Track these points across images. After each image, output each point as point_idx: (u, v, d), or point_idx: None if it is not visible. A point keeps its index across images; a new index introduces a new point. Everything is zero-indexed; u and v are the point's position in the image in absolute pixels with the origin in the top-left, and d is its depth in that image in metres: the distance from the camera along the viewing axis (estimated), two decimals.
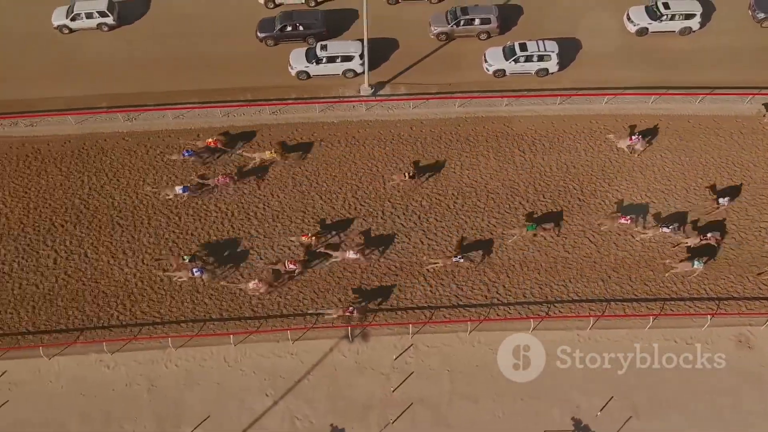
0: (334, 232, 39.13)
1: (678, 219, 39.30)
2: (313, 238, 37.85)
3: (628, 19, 47.22)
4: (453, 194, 40.76)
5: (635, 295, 37.45)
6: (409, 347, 35.99)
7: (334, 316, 35.75)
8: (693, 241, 38.01)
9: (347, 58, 44.48)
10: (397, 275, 38.03)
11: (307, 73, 44.74)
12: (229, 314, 36.84)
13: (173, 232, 39.33)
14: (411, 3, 48.17)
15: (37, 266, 38.10)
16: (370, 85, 44.72)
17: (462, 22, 46.16)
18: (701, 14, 46.53)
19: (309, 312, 36.42)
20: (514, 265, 38.35)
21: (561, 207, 40.23)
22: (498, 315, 36.77)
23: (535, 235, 38.63)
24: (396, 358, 35.76)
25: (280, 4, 48.32)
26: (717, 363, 35.34)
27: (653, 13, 46.68)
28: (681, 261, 37.64)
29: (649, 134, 42.48)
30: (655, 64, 45.80)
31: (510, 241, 38.59)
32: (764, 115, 42.95)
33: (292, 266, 36.91)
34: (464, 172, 41.62)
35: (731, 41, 46.63)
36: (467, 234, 39.18)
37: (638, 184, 40.95)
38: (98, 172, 41.44)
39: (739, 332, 36.17)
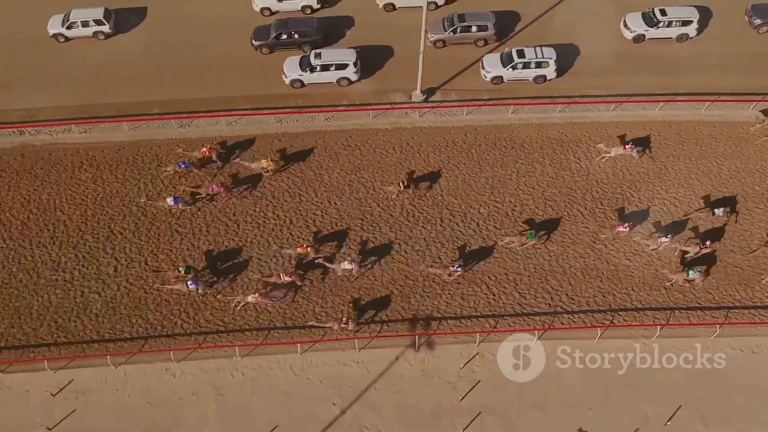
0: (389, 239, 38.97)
1: (676, 228, 39.23)
2: (309, 248, 37.41)
3: (625, 26, 46.94)
4: (510, 202, 40.65)
5: (699, 303, 37.33)
6: (475, 356, 35.87)
7: (335, 328, 35.39)
8: (693, 250, 37.74)
9: (341, 66, 44.18)
10: (459, 283, 37.91)
11: (301, 81, 44.51)
12: (293, 322, 36.74)
13: (232, 239, 39.21)
14: (407, 10, 47.86)
15: (98, 274, 38.02)
16: (421, 91, 44.61)
17: (459, 30, 45.95)
18: (698, 21, 46.35)
19: (307, 324, 36.10)
20: (575, 273, 38.27)
21: (621, 215, 40.08)
22: (562, 324, 36.65)
23: (534, 244, 38.56)
24: (462, 367, 35.64)
25: (276, 12, 48.16)
26: None
27: (650, 20, 46.46)
28: (677, 271, 37.46)
29: (642, 144, 42.29)
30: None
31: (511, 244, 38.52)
32: (762, 121, 42.64)
33: (287, 278, 36.55)
34: (521, 179, 41.52)
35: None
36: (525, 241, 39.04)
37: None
38: (154, 179, 41.34)
39: None
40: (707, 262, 38.10)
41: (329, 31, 47.05)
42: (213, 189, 39.76)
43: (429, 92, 45.04)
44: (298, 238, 39.18)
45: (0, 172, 41.46)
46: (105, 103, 43.65)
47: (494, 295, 37.62)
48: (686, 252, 37.92)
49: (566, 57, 45.70)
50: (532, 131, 43.46)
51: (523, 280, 38.05)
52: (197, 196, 40.02)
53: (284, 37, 46.00)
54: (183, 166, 40.39)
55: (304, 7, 48.28)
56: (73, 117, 42.74)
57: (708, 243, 37.73)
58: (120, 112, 43.22)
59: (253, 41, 46.38)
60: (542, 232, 39.11)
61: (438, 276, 37.57)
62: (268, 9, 48.23)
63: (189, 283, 36.27)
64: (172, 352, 35.24)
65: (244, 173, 41.33)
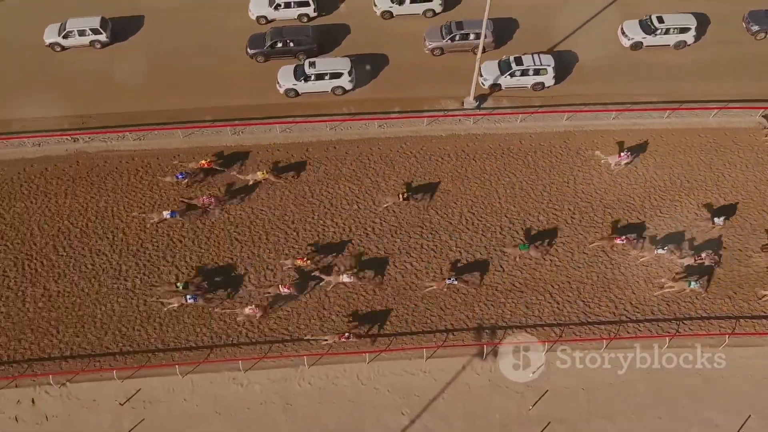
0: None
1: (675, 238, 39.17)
2: (305, 260, 37.38)
3: (623, 33, 46.72)
4: (569, 209, 40.54)
5: (764, 312, 37.25)
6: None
7: (330, 342, 35.29)
8: (688, 260, 37.70)
9: (336, 75, 43.88)
10: (522, 291, 37.83)
11: (295, 90, 44.19)
12: (357, 331, 36.58)
13: (292, 247, 39.09)
14: (405, 17, 47.78)
15: (160, 282, 37.87)
16: (474, 98, 44.52)
17: (457, 37, 45.73)
18: (696, 28, 46.21)
19: (306, 338, 35.87)
20: (638, 282, 38.14)
21: (681, 222, 39.94)
22: (628, 333, 36.53)
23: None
24: (530, 376, 35.51)
25: (272, 21, 47.80)
26: None
27: (647, 27, 46.24)
28: (676, 281, 37.36)
29: (637, 151, 42.11)
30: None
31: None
32: (765, 128, 42.62)
33: (286, 290, 36.37)
34: (578, 187, 41.40)
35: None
36: (588, 249, 38.94)
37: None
38: (211, 187, 41.18)
39: None
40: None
41: (325, 39, 46.65)
42: (204, 200, 39.32)
43: (481, 99, 44.90)
44: (358, 245, 39.08)
45: (56, 180, 41.33)
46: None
47: (558, 304, 37.54)
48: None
49: (565, 64, 45.55)
50: (586, 138, 43.34)
51: (586, 289, 37.96)
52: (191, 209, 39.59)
53: (279, 45, 45.51)
54: (180, 177, 40.07)
55: (300, 15, 47.87)
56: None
57: (704, 254, 37.75)
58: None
59: (248, 50, 45.84)
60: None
61: (434, 290, 37.28)
62: (265, 17, 47.70)
63: (188, 297, 35.99)
64: (240, 362, 35.04)
65: (310, 183, 41.25)
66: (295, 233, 39.54)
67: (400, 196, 39.67)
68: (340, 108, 44.27)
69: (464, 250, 39.14)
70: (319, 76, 43.82)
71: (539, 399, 35.04)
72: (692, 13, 46.97)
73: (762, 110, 43.35)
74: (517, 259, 38.40)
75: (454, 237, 39.54)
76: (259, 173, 40.40)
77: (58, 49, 46.44)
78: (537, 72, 44.09)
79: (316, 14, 48.20)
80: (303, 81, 43.91)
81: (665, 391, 35.28)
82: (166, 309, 36.64)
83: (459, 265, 38.50)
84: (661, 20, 46.18)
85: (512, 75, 44.26)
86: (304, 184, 41.32)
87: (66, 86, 44.95)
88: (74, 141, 42.68)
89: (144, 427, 34.21)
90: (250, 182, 40.64)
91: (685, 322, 36.93)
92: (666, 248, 37.92)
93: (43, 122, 43.08)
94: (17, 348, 36.04)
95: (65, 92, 44.55)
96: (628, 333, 36.57)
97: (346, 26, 48.05)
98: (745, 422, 34.49)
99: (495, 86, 44.71)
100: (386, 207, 40.13)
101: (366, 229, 39.81)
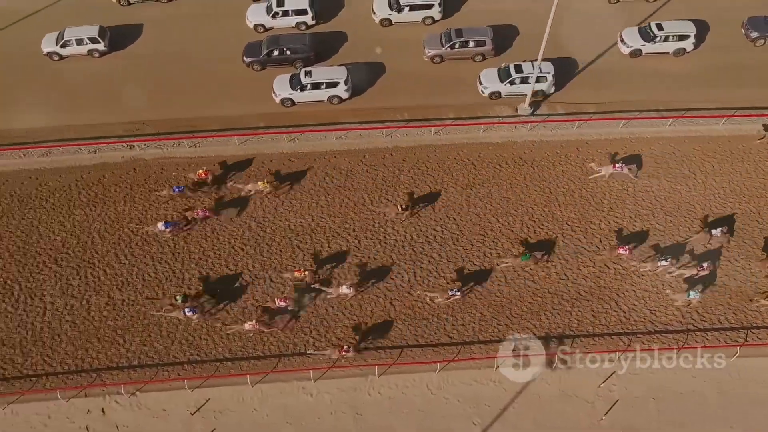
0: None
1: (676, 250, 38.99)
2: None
3: (621, 40, 46.45)
4: (630, 217, 40.41)
5: None
6: (612, 374, 35.65)
7: (333, 356, 35.09)
8: (690, 272, 37.59)
9: (332, 85, 43.56)
10: (588, 300, 37.76)
11: (291, 100, 43.83)
12: (425, 341, 36.53)
13: (355, 255, 38.98)
14: (404, 25, 47.64)
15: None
16: (529, 105, 44.41)
17: (457, 45, 45.57)
18: (695, 35, 45.96)
19: (307, 353, 35.65)
20: (705, 290, 37.99)
21: (738, 231, 39.81)
22: (696, 342, 36.43)
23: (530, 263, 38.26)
24: (600, 386, 35.43)
25: (270, 29, 47.48)
26: None
27: (647, 35, 45.99)
28: (677, 292, 37.30)
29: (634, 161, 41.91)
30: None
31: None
32: (763, 137, 42.51)
33: (282, 303, 36.10)
34: (638, 194, 41.27)
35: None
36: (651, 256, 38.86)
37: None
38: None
39: None
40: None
41: (322, 47, 46.34)
42: (199, 213, 39.03)
43: (534, 105, 44.79)
44: (421, 254, 38.99)
45: (114, 187, 41.23)
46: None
47: (624, 313, 37.39)
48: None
49: (565, 71, 45.33)
50: (643, 145, 43.22)
51: (651, 297, 37.79)
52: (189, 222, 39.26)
53: (276, 53, 45.16)
54: (177, 190, 39.68)
55: (298, 24, 47.46)
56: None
57: (705, 265, 37.54)
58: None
59: (245, 58, 45.54)
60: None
61: (434, 299, 37.11)
62: (263, 25, 47.37)
63: (186, 310, 35.75)
64: (311, 371, 34.93)
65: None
66: (356, 241, 39.34)
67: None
68: (394, 115, 44.17)
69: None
70: (315, 86, 43.48)
71: (610, 408, 34.89)
72: (691, 20, 46.76)
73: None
74: (518, 269, 38.12)
75: (516, 244, 39.40)
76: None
77: (56, 58, 46.00)
78: (537, 79, 43.73)
79: (314, 22, 47.81)
80: (299, 90, 43.53)
81: (736, 400, 35.15)
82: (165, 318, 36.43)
83: (522, 271, 38.39)
84: (660, 27, 45.87)
85: (512, 83, 44.00)
86: (363, 192, 41.16)
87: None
88: (130, 148, 42.55)
89: None
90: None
91: (753, 331, 36.79)
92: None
93: (100, 129, 42.98)
94: (84, 357, 35.94)
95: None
96: (696, 342, 36.41)
97: (344, 34, 47.72)
98: None
99: (494, 94, 44.44)
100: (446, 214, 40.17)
101: (428, 238, 39.63)
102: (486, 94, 44.62)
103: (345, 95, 44.26)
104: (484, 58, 46.30)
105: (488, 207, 40.81)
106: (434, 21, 48.22)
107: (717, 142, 43.05)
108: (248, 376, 34.84)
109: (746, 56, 46.52)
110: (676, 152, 42.85)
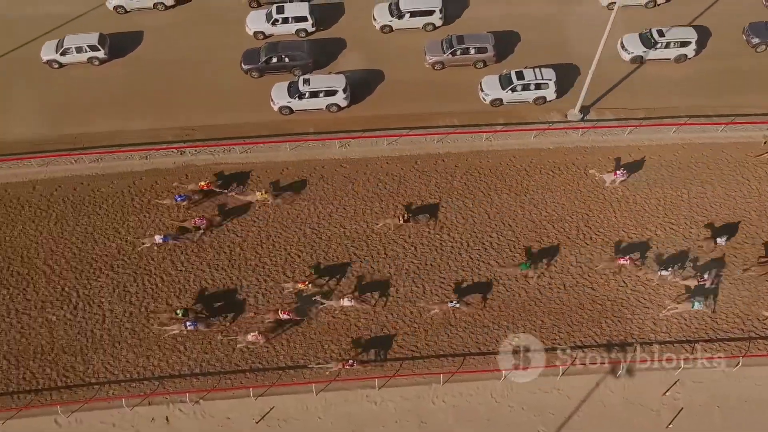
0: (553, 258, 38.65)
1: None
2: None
3: (622, 47, 46.15)
4: (686, 224, 40.31)
5: None
6: (676, 383, 35.54)
7: (335, 369, 34.82)
8: (692, 282, 37.44)
9: (331, 93, 43.23)
10: (647, 308, 37.57)
11: (290, 108, 43.53)
12: (486, 348, 36.40)
13: (411, 262, 38.86)
14: (405, 31, 47.37)
15: (282, 297, 37.61)
16: (579, 110, 44.28)
17: (458, 51, 45.31)
18: (696, 41, 45.70)
19: (310, 366, 35.37)
20: (763, 297, 37.90)
21: None
22: (759, 350, 36.31)
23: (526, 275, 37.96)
24: (664, 394, 35.32)
25: (270, 36, 47.16)
26: None
27: (648, 41, 45.70)
28: (680, 302, 37.10)
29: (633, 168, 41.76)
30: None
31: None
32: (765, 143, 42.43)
33: (285, 315, 35.83)
34: (692, 201, 41.16)
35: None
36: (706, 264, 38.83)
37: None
38: (323, 201, 40.96)
39: None
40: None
41: (321, 54, 46.03)
42: (196, 221, 38.73)
43: (584, 111, 44.66)
44: (478, 261, 38.90)
45: (167, 193, 40.92)
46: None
47: (685, 320, 37.28)
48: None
49: (566, 78, 45.05)
50: (695, 152, 43.08)
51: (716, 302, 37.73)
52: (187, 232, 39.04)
53: (274, 60, 44.76)
54: (179, 199, 39.36)
55: (298, 31, 47.02)
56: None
57: (706, 275, 37.58)
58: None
59: (243, 65, 45.19)
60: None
61: (438, 313, 36.85)
62: (262, 33, 46.94)
63: (187, 323, 35.51)
64: (376, 380, 34.80)
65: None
66: (413, 248, 39.28)
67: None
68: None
69: (584, 264, 38.86)
70: (314, 94, 43.15)
71: (675, 416, 34.79)
72: (692, 26, 46.57)
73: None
74: (517, 278, 37.95)
75: (573, 252, 39.27)
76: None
77: (56, 66, 45.59)
78: (538, 86, 43.55)
79: (314, 29, 47.42)
80: (297, 98, 43.19)
81: None
82: (167, 335, 36.04)
83: (581, 279, 38.38)
84: (661, 34, 45.57)
85: (513, 90, 43.80)
86: (417, 198, 41.04)
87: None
88: (181, 154, 42.39)
89: None
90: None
91: None
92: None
93: (149, 134, 42.86)
94: (146, 365, 35.78)
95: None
96: (759, 350, 36.29)
97: (345, 41, 47.39)
98: None
99: (496, 101, 44.13)
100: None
101: (485, 245, 39.53)
102: (487, 102, 44.32)
103: (344, 103, 43.85)
104: (485, 65, 46.03)
105: (543, 213, 40.65)
106: (435, 27, 47.81)
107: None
108: (313, 384, 34.63)
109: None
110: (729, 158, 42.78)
